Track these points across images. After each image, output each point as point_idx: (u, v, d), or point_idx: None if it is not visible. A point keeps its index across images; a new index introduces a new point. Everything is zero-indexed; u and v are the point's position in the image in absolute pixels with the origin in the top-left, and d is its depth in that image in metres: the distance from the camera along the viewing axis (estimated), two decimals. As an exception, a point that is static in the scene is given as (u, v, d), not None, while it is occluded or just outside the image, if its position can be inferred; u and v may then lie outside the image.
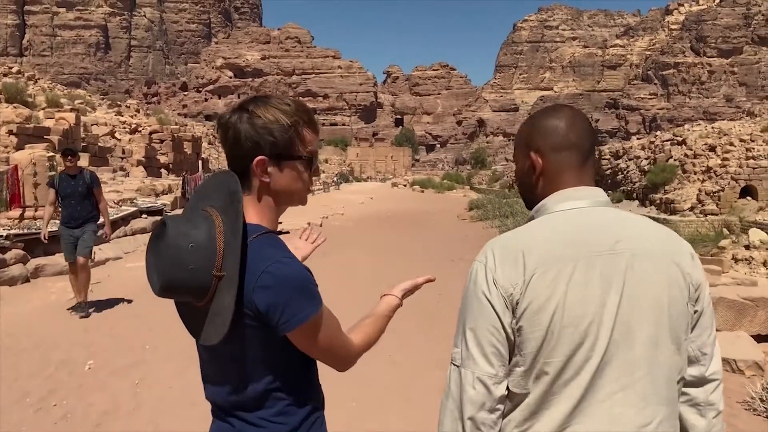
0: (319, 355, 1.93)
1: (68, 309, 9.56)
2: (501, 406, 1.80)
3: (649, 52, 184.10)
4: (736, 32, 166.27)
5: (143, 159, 34.98)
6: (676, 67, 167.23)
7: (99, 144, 32.66)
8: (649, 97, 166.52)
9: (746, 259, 18.04)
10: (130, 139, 37.24)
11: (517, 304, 1.73)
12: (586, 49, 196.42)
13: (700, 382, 1.91)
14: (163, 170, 37.20)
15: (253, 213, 1.93)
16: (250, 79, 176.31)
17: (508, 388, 1.79)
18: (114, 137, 36.65)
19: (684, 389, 1.90)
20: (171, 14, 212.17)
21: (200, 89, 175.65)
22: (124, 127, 39.63)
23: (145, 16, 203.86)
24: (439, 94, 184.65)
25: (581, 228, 1.81)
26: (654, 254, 1.80)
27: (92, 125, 35.75)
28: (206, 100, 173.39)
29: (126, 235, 16.22)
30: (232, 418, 1.94)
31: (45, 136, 27.32)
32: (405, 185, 66.28)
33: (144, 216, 17.89)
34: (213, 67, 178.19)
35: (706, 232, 30.11)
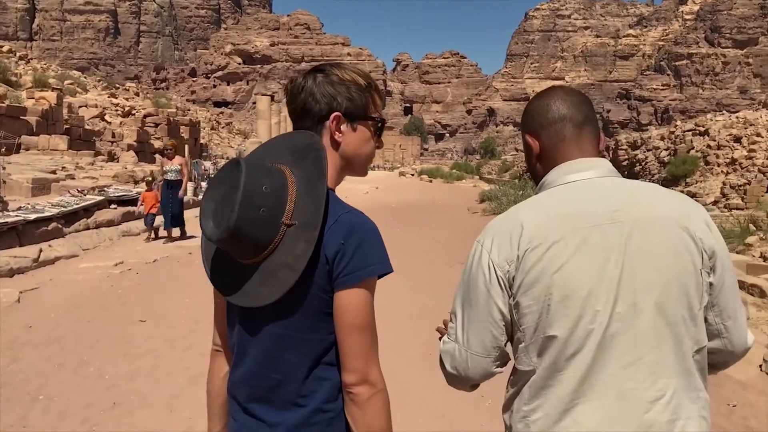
0: (356, 333, 1.73)
1: None
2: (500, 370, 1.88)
3: (662, 43, 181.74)
4: (752, 23, 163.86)
5: (135, 143, 33.00)
6: (689, 57, 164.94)
7: (85, 126, 30.59)
8: (662, 88, 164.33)
9: (777, 258, 16.28)
10: (121, 123, 35.18)
11: (513, 280, 1.74)
12: (598, 39, 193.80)
13: (723, 354, 1.88)
14: (157, 155, 35.31)
15: None
16: (259, 66, 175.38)
17: (515, 365, 1.84)
18: (104, 120, 34.57)
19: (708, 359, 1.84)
20: (180, 0, 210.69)
21: (209, 75, 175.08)
22: (117, 110, 37.59)
23: (154, 1, 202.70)
24: (449, 82, 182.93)
25: (578, 200, 1.79)
26: (658, 221, 1.75)
27: (80, 107, 33.73)
28: (215, 86, 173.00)
29: (88, 229, 14.12)
30: (271, 417, 1.78)
31: (21, 117, 25.42)
32: (413, 174, 64.08)
33: (113, 206, 15.78)
34: (222, 54, 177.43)
35: (731, 227, 28.00)
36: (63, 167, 20.45)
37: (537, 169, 1.97)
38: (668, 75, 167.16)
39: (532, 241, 1.71)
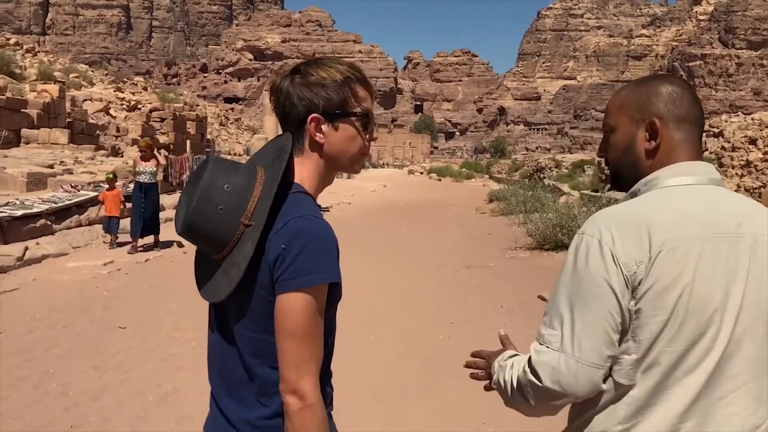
0: (290, 340, 1.64)
1: None
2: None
3: (675, 43, 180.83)
4: (767, 24, 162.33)
5: (139, 138, 32.44)
6: (702, 58, 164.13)
7: (89, 120, 30.10)
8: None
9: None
10: (126, 117, 34.72)
11: (639, 283, 1.56)
12: (610, 39, 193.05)
13: None
14: (162, 150, 34.87)
15: (298, 175, 1.80)
16: (270, 62, 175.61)
17: (612, 378, 1.62)
18: (108, 114, 34.10)
19: None
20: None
21: (220, 71, 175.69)
22: (122, 104, 37.13)
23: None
24: (460, 81, 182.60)
25: (704, 206, 1.64)
26: None
27: (84, 100, 33.27)
28: (226, 82, 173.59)
29: (80, 226, 13.61)
30: (234, 414, 1.76)
31: (22, 109, 24.95)
32: (422, 173, 63.60)
33: (108, 202, 15.25)
34: (233, 50, 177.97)
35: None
36: (61, 161, 19.96)
37: (648, 159, 1.75)
38: (681, 76, 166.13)
39: (667, 243, 1.55)
